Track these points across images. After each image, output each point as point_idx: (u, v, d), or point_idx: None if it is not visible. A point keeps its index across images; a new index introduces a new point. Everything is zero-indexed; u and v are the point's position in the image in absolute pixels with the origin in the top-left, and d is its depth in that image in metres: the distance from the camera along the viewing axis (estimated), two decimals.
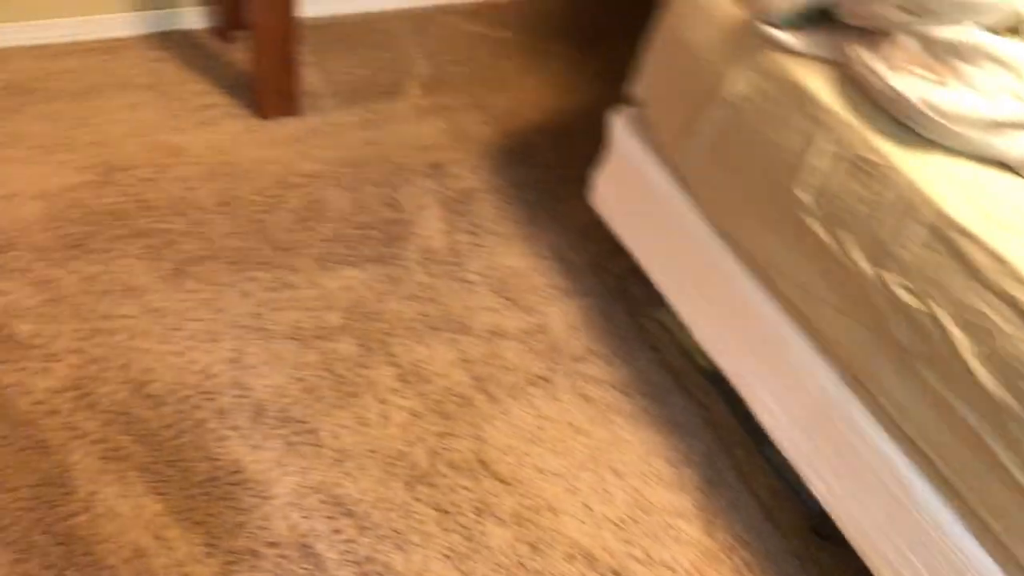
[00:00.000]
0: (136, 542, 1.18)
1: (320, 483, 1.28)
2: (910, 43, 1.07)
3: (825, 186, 1.10)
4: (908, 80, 1.05)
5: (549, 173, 1.88)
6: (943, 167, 1.03)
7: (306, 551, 1.20)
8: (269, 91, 1.84)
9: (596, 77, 2.16)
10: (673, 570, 1.25)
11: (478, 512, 1.28)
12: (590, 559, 1.25)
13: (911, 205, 1.01)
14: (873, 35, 1.12)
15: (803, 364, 1.20)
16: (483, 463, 1.34)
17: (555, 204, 1.80)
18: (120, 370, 1.38)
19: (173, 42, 2.03)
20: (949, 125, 1.02)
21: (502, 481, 1.32)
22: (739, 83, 1.20)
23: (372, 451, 1.33)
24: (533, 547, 1.25)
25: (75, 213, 1.61)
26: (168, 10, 2.03)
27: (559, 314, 1.58)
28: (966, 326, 0.96)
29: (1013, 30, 1.09)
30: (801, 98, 1.12)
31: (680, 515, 1.31)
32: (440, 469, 1.32)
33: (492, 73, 2.13)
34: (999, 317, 0.93)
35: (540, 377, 1.47)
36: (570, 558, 1.24)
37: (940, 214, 0.99)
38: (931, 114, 1.03)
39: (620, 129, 1.51)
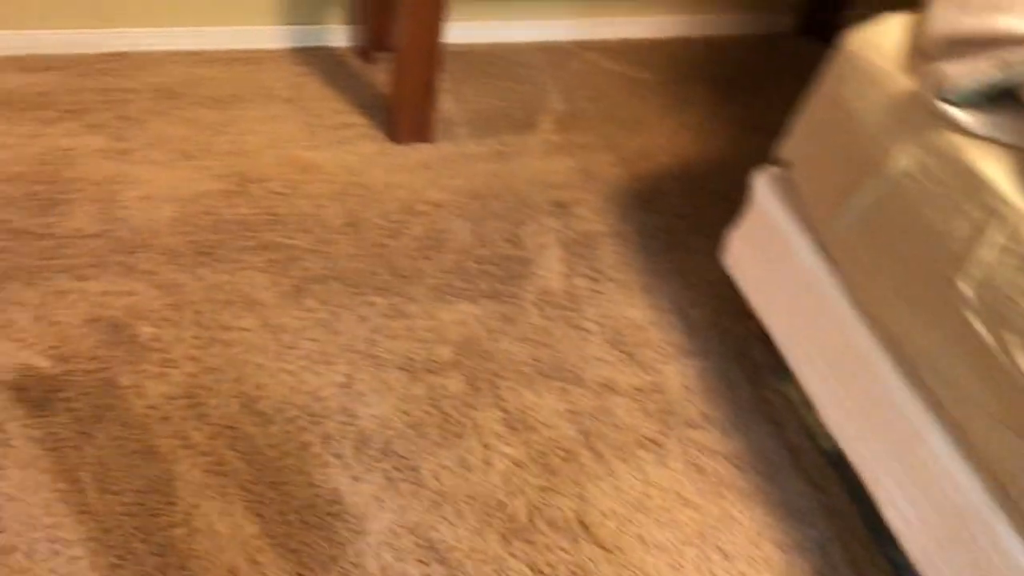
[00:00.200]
0: (230, 563, 1.17)
1: (416, 524, 1.25)
2: None
3: (990, 280, 1.01)
4: None
5: (678, 222, 1.82)
6: None
7: None
8: (405, 115, 1.85)
9: (735, 126, 2.09)
10: None
11: None
12: None
13: None
14: None
15: (944, 467, 1.11)
16: (584, 525, 1.28)
17: (681, 255, 1.74)
18: (233, 383, 1.39)
19: (317, 58, 2.07)
20: None
21: (602, 547, 1.26)
22: (903, 159, 1.12)
23: (471, 497, 1.29)
24: None
25: (206, 220, 1.64)
26: (315, 26, 2.07)
27: (676, 374, 1.52)
28: None
29: None
30: (974, 183, 1.03)
31: None
32: (539, 525, 1.27)
33: (628, 113, 2.08)
34: None
35: (650, 440, 1.41)
36: None
37: None
38: None
39: (763, 189, 1.44)
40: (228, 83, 1.95)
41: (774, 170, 1.44)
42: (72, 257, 1.53)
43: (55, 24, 1.89)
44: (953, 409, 1.07)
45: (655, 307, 1.63)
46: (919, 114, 1.12)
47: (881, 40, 1.23)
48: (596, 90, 2.14)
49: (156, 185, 1.69)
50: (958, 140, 1.07)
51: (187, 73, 1.96)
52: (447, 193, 1.79)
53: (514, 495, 1.31)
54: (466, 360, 1.48)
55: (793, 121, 1.39)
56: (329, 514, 1.24)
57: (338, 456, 1.32)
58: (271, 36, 2.05)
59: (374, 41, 2.04)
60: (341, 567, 1.19)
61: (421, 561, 1.21)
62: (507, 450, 1.36)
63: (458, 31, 2.14)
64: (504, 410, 1.42)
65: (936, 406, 1.11)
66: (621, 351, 1.54)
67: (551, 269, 1.67)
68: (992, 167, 1.03)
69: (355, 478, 1.29)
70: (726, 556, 1.27)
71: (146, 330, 1.44)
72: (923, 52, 1.18)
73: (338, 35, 2.10)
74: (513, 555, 1.23)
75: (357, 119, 1.92)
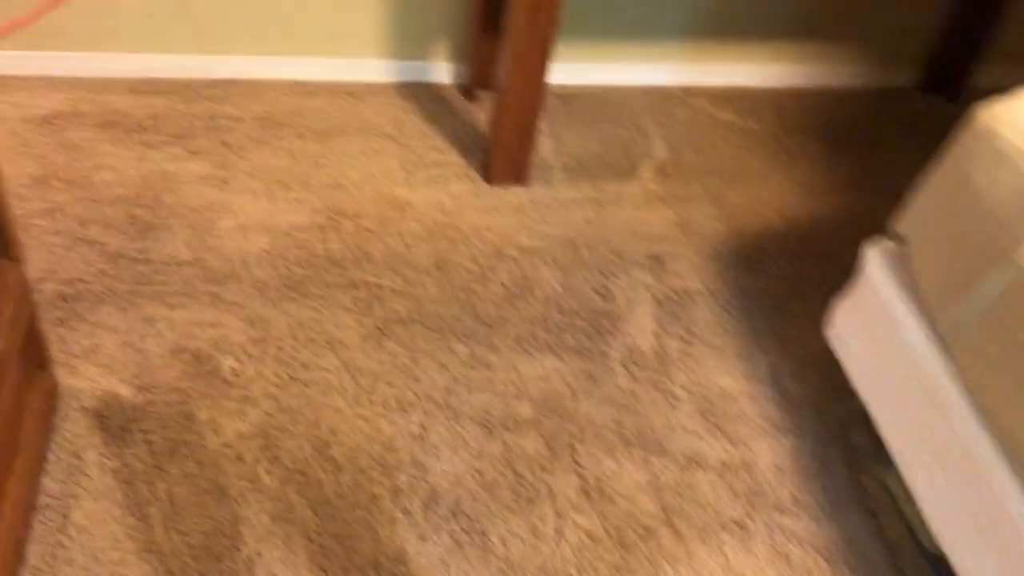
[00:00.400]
0: None
1: None
2: None
3: None
4: None
5: (780, 285, 1.73)
6: None
7: None
8: (502, 157, 1.81)
9: (847, 186, 1.99)
10: None
11: None
12: None
13: None
14: None
15: None
16: None
17: (781, 323, 1.65)
18: (308, 426, 1.37)
19: (420, 94, 2.06)
20: None
21: None
22: None
23: (540, 569, 1.24)
24: None
25: (297, 254, 1.64)
26: (420, 62, 2.06)
27: (767, 451, 1.43)
28: None
29: None
30: None
31: None
32: None
33: (733, 166, 2.00)
34: None
35: (735, 522, 1.33)
36: None
37: None
38: None
39: (874, 262, 1.35)
40: (330, 115, 1.96)
41: (888, 244, 1.34)
42: (164, 284, 1.54)
43: (166, 48, 1.93)
44: None
45: (750, 376, 1.55)
46: None
47: (1017, 117, 1.13)
48: (701, 139, 2.06)
49: (252, 215, 1.70)
50: None
51: (291, 103, 1.97)
52: (538, 239, 1.75)
53: (585, 571, 1.24)
54: (545, 419, 1.43)
55: (912, 193, 1.29)
56: (393, 575, 1.20)
57: (406, 512, 1.28)
58: (376, 69, 2.05)
59: (477, 79, 2.02)
60: None
61: None
62: (581, 521, 1.30)
63: (561, 72, 2.10)
64: (581, 477, 1.36)
65: None
66: (710, 422, 1.46)
67: (641, 327, 1.61)
68: None
69: (422, 537, 1.25)
70: None
71: (229, 364, 1.44)
72: None
73: (442, 71, 2.08)
74: None
75: (454, 158, 1.90)
